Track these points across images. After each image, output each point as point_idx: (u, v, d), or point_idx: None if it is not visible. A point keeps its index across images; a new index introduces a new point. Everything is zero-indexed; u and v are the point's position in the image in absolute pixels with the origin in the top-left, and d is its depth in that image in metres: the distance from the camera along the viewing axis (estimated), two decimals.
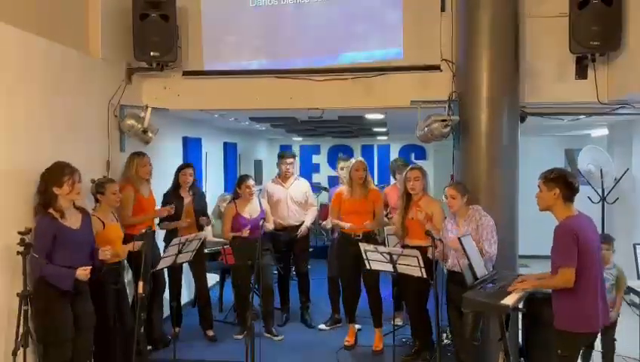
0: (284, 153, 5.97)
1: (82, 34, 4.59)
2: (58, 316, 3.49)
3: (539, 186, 3.33)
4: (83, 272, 3.51)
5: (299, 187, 5.84)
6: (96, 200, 4.18)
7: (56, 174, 3.52)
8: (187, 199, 5.22)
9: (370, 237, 4.93)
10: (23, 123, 3.66)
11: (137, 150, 4.89)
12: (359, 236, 4.88)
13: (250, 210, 5.29)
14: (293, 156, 5.99)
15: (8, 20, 3.53)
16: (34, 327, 3.43)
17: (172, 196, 5.19)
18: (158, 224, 5.14)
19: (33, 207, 3.60)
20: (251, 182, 5.33)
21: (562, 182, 3.23)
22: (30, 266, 3.40)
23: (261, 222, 4.82)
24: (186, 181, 5.23)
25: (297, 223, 5.70)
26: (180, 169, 5.29)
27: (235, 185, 5.52)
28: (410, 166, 4.90)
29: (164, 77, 5.18)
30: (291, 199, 5.74)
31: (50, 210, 3.52)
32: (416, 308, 4.70)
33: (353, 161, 5.17)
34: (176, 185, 5.25)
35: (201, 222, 5.29)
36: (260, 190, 6.06)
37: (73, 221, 3.63)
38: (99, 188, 4.14)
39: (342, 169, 5.69)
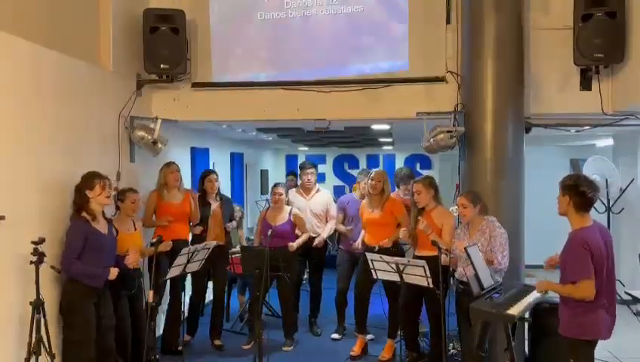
0: (304, 164, 6.01)
1: (94, 47, 4.68)
2: (85, 315, 3.71)
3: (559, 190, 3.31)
4: (115, 272, 3.84)
5: (319, 199, 5.86)
6: (117, 208, 4.36)
7: (89, 179, 3.81)
8: (215, 205, 5.31)
9: (389, 251, 4.76)
10: (35, 134, 3.73)
11: (148, 160, 5.03)
12: (375, 248, 4.84)
13: (277, 218, 5.31)
14: (314, 166, 6.01)
15: (22, 34, 3.62)
16: (65, 323, 3.74)
17: (199, 203, 5.24)
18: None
19: (69, 216, 3.84)
20: (280, 189, 5.35)
21: (574, 191, 3.19)
22: (60, 267, 3.65)
23: (269, 232, 4.85)
24: (213, 187, 5.31)
25: (315, 235, 5.71)
26: (204, 176, 5.37)
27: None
28: (415, 179, 4.88)
29: (173, 89, 5.27)
30: (311, 211, 5.75)
31: (83, 213, 3.77)
32: (436, 317, 4.58)
33: (373, 171, 5.20)
34: (202, 192, 5.32)
35: (227, 229, 5.38)
36: (266, 200, 6.11)
37: (102, 226, 3.87)
38: (120, 195, 4.35)
39: (358, 183, 5.71)
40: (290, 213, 5.36)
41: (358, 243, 5.24)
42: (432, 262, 4.13)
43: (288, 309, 5.39)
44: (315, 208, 5.78)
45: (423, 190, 4.55)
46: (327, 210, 5.82)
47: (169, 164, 5.02)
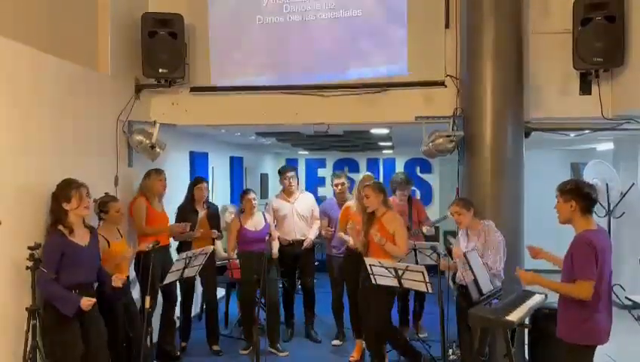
0: (284, 168, 5.98)
1: (92, 51, 4.68)
2: (66, 332, 3.51)
3: (557, 198, 3.28)
4: (87, 303, 3.52)
5: (304, 201, 5.85)
6: (100, 219, 4.22)
7: (64, 190, 3.61)
8: (202, 213, 5.28)
9: None
10: (33, 139, 3.72)
11: (146, 165, 4.98)
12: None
13: (255, 223, 5.33)
14: (294, 169, 6.00)
15: (21, 39, 3.61)
16: (43, 343, 3.47)
17: (187, 210, 5.23)
18: (173, 237, 5.20)
19: (46, 227, 3.67)
20: (252, 195, 5.38)
21: (578, 194, 3.18)
22: (39, 283, 3.45)
23: (267, 237, 4.84)
24: (202, 195, 5.29)
25: (303, 238, 5.71)
26: (194, 183, 5.34)
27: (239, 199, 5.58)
28: (365, 184, 4.84)
29: (172, 93, 5.26)
30: (297, 214, 5.74)
31: (60, 227, 3.58)
32: (383, 322, 4.56)
33: (362, 175, 5.22)
34: (191, 199, 5.29)
35: (213, 236, 5.35)
36: (266, 204, 6.09)
37: (81, 238, 3.67)
38: (102, 206, 4.18)
39: (336, 186, 5.72)
40: (264, 217, 5.40)
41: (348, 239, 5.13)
42: None
43: (274, 313, 5.34)
44: (302, 210, 5.75)
45: (372, 194, 4.56)
46: (312, 212, 5.80)
47: (159, 172, 4.93)
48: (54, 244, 3.52)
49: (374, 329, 4.55)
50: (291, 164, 10.28)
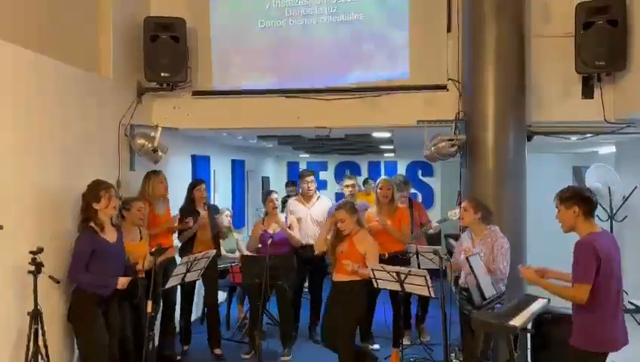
0: (303, 172, 6.03)
1: (94, 55, 4.68)
2: (94, 321, 3.73)
3: (557, 207, 3.27)
4: (123, 281, 3.83)
5: (321, 207, 5.84)
6: (122, 217, 4.34)
7: (94, 190, 3.82)
8: (204, 213, 5.29)
9: (397, 258, 4.92)
10: (35, 142, 3.72)
11: (147, 169, 4.97)
12: (385, 256, 4.88)
13: (274, 226, 5.34)
14: (313, 173, 6.02)
15: (22, 43, 3.62)
16: (74, 334, 3.81)
17: (188, 211, 5.23)
18: (178, 237, 5.23)
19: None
20: (274, 196, 5.46)
21: (579, 199, 3.19)
22: (67, 276, 3.75)
23: (269, 241, 4.83)
24: (202, 196, 5.31)
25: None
26: (193, 185, 5.36)
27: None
28: (337, 205, 4.79)
29: (174, 97, 5.26)
30: (312, 219, 5.74)
31: (91, 224, 3.79)
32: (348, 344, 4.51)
33: (379, 179, 5.30)
34: (191, 201, 5.30)
35: (214, 246, 5.33)
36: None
37: (111, 235, 3.88)
38: (125, 204, 4.35)
39: (347, 186, 5.73)
40: (287, 220, 5.40)
41: None
42: (351, 285, 4.30)
43: (286, 318, 5.36)
44: (317, 215, 5.75)
45: (347, 217, 4.45)
46: (326, 216, 5.79)
47: (157, 173, 4.90)
48: (86, 241, 3.76)
49: (341, 350, 4.53)
50: (293, 167, 10.29)
